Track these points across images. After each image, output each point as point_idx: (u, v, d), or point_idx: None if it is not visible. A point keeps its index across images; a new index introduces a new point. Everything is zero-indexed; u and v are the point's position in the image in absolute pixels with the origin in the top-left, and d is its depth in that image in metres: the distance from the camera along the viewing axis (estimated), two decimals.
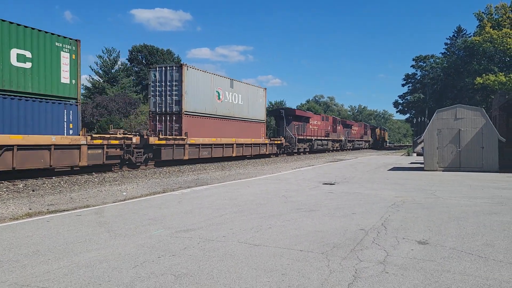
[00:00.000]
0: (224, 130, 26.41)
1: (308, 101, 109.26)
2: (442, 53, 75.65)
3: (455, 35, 73.79)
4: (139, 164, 20.06)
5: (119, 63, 60.63)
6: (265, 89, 32.41)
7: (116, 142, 18.13)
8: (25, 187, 12.57)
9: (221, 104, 26.22)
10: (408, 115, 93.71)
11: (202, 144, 23.97)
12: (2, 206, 9.12)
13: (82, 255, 5.05)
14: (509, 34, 47.73)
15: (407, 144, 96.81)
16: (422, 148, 20.87)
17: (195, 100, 23.40)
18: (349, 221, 7.07)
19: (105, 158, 17.43)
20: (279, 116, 39.01)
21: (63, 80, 15.66)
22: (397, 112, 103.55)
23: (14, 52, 13.89)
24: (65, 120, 15.65)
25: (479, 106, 27.79)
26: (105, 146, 17.39)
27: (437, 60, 76.15)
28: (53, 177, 14.95)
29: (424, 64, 79.53)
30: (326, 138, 46.67)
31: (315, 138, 43.11)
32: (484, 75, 47.72)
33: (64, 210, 8.42)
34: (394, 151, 58.76)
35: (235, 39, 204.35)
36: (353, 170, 18.88)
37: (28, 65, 14.36)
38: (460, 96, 60.54)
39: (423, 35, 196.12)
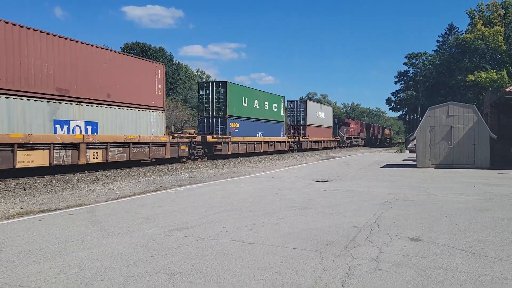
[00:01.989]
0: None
1: (301, 99, 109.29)
2: (434, 51, 76.17)
3: (447, 32, 74.23)
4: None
5: None
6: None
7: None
8: (16, 186, 12.45)
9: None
10: (400, 112, 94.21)
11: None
12: None
13: (74, 255, 5.01)
14: (500, 32, 48.18)
15: (400, 141, 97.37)
16: (415, 145, 21.01)
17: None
18: (342, 218, 7.09)
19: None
20: (333, 122, 54.09)
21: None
22: (389, 109, 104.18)
23: None
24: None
25: (470, 103, 28.01)
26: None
27: (429, 57, 76.57)
28: (45, 176, 14.81)
29: (417, 62, 79.92)
30: (357, 136, 65.75)
31: (353, 137, 62.91)
32: (475, 72, 48.16)
33: (56, 209, 8.35)
34: (387, 148, 59.11)
35: (228, 36, 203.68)
36: (346, 168, 18.95)
37: None
38: (452, 93, 61.02)
39: (416, 32, 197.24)
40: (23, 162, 13.76)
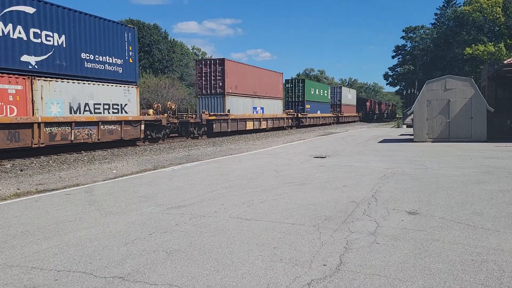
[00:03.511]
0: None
1: (298, 75, 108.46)
2: (432, 24, 75.22)
3: (445, 5, 73.07)
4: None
5: None
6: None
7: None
8: (12, 167, 12.39)
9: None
10: (398, 87, 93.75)
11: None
12: None
13: (72, 234, 5.00)
14: (499, 3, 47.44)
15: (398, 116, 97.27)
16: (412, 119, 20.96)
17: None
18: (340, 193, 7.10)
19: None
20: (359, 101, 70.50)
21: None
22: (387, 84, 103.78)
23: None
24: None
25: (468, 77, 27.83)
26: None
27: (427, 31, 75.67)
28: (41, 157, 14.73)
29: (414, 35, 79.00)
30: (372, 112, 79.28)
31: (371, 112, 77.86)
32: (473, 45, 47.66)
33: (53, 190, 8.33)
34: (384, 123, 59.08)
35: (223, 12, 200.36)
36: (344, 144, 18.95)
37: None
38: (450, 67, 60.60)
39: (413, 5, 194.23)
40: (251, 127, 31.24)
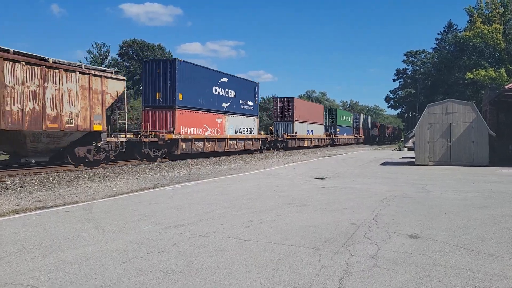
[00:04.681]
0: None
1: (300, 96, 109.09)
2: (433, 48, 75.97)
3: (446, 30, 74.09)
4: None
5: (109, 58, 60.14)
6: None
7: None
8: (13, 184, 12.37)
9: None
10: (399, 110, 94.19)
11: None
12: None
13: (69, 252, 4.94)
14: (499, 30, 48.07)
15: (402, 140, 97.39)
16: (413, 142, 20.96)
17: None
18: (340, 215, 7.04)
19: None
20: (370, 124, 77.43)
21: None
22: (388, 107, 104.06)
23: None
24: None
25: (469, 101, 27.95)
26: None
27: (428, 55, 76.46)
28: (42, 173, 14.73)
29: (415, 59, 79.84)
30: (377, 134, 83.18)
31: (377, 135, 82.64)
32: (474, 70, 48.02)
33: (52, 206, 8.28)
34: (385, 146, 59.08)
35: (226, 34, 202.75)
36: (345, 165, 18.90)
37: None
38: (451, 91, 60.90)
39: (414, 30, 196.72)
40: (307, 144, 43.42)
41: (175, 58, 22.36)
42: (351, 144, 61.88)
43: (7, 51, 13.51)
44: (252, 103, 31.23)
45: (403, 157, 24.88)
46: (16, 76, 13.59)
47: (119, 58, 66.14)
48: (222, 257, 4.72)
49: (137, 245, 5.24)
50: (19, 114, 13.71)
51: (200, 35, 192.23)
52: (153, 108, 22.63)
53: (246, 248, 5.08)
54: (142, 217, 6.98)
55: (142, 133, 21.26)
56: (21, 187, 11.78)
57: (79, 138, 16.57)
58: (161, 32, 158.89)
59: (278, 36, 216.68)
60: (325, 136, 49.99)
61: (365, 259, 4.59)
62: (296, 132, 39.78)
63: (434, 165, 17.72)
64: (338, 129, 54.83)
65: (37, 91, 14.35)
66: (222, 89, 26.96)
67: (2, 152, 15.89)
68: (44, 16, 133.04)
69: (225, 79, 27.27)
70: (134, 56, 66.06)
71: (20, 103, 13.73)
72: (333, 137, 53.16)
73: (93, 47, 68.27)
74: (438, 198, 8.94)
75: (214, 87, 26.16)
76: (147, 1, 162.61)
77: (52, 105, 14.90)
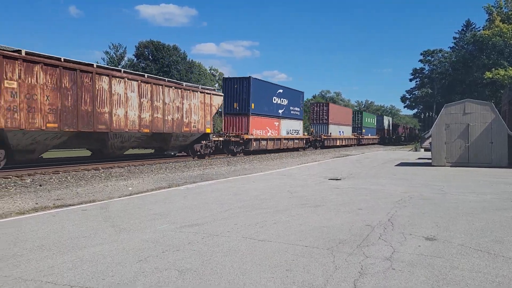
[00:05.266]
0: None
1: (314, 97, 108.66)
2: (450, 48, 74.94)
3: (464, 29, 72.87)
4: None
5: (125, 59, 60.94)
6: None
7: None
8: (32, 182, 12.64)
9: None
10: (415, 110, 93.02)
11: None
12: (9, 201, 9.17)
13: (86, 250, 5.04)
14: None
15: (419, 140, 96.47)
16: (430, 143, 20.65)
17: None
18: (355, 216, 7.00)
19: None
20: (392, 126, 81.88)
21: None
22: (404, 107, 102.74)
23: None
24: None
25: (488, 101, 27.42)
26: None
27: (445, 54, 75.33)
28: (60, 172, 15.02)
29: (432, 59, 78.72)
30: (402, 135, 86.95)
31: (402, 135, 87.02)
32: (493, 69, 47.04)
33: (70, 205, 8.44)
34: (401, 146, 58.40)
35: (240, 34, 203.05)
36: (360, 166, 18.75)
37: None
38: (469, 91, 59.84)
39: (431, 29, 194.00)
40: (338, 144, 48.84)
41: (249, 76, 28.60)
42: (373, 144, 65.82)
43: (171, 81, 21.32)
44: (298, 109, 37.45)
45: (419, 158, 24.56)
46: (170, 96, 20.49)
47: (135, 59, 66.92)
48: (236, 256, 4.75)
49: (153, 243, 5.31)
50: (172, 121, 20.57)
51: (215, 36, 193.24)
52: (231, 115, 28.94)
53: (260, 248, 5.10)
54: (158, 216, 7.06)
55: (225, 134, 27.61)
56: (40, 185, 12.04)
57: (197, 138, 23.26)
58: (176, 32, 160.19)
59: (292, 36, 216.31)
60: (353, 137, 55.45)
61: (380, 261, 4.56)
62: (330, 133, 45.56)
63: (451, 166, 17.44)
64: (363, 130, 59.37)
65: (179, 106, 21.16)
66: (279, 98, 33.13)
67: (151, 148, 22.68)
68: (62, 17, 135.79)
69: (281, 90, 33.50)
70: (150, 57, 66.71)
71: (171, 114, 20.56)
72: (360, 137, 57.83)
73: (110, 48, 69.37)
74: (455, 199, 8.80)
75: (273, 97, 32.43)
76: (163, 2, 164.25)
77: (186, 115, 21.74)
